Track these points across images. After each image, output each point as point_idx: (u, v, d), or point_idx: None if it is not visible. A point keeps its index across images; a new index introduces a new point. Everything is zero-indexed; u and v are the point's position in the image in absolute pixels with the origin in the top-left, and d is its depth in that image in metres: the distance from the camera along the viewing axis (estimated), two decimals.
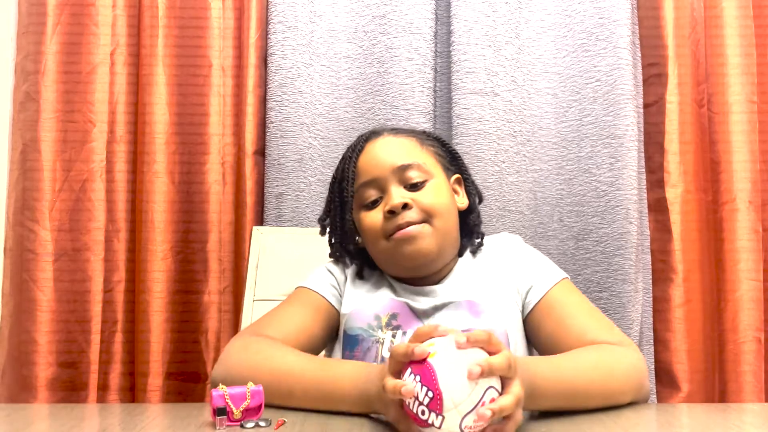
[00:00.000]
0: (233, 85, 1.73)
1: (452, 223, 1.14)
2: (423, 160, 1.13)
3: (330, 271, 1.19)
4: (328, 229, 1.20)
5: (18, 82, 1.70)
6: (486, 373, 0.75)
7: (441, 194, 1.12)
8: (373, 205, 1.12)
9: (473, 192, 1.22)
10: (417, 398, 0.75)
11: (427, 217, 1.09)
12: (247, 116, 1.69)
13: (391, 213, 1.09)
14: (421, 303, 1.10)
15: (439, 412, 0.74)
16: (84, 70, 1.70)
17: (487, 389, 0.75)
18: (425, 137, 1.20)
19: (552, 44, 1.71)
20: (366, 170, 1.13)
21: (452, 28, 1.68)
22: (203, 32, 1.72)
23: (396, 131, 1.19)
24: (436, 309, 1.09)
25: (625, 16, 1.65)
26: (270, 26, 1.69)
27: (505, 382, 0.79)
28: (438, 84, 1.72)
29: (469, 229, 1.19)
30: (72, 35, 1.70)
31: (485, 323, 1.06)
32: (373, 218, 1.11)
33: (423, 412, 0.75)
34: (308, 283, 1.18)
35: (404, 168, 1.11)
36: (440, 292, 1.11)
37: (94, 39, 1.71)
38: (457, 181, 1.20)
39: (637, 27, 1.70)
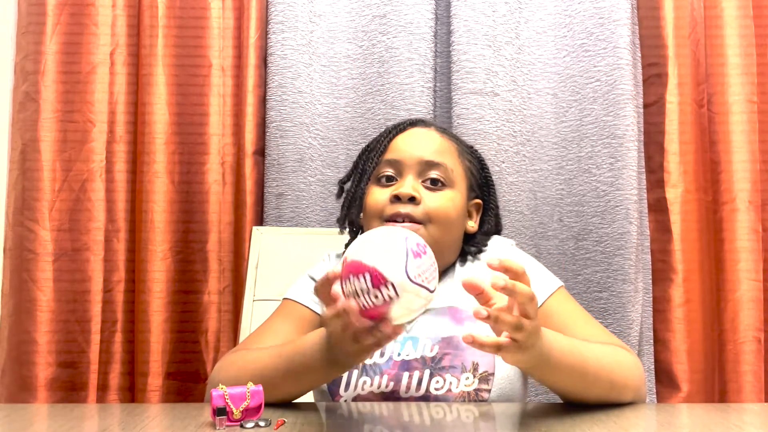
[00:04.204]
0: (233, 85, 1.73)
1: (449, 238, 1.12)
2: (453, 166, 1.13)
3: (312, 278, 1.19)
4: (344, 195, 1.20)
5: (18, 82, 1.70)
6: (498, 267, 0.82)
7: (452, 206, 1.11)
8: (387, 183, 1.12)
9: (490, 222, 1.19)
10: (362, 291, 0.77)
11: (427, 221, 1.09)
12: (247, 116, 1.68)
13: (397, 199, 1.09)
14: None
15: (384, 281, 0.76)
16: (84, 70, 1.70)
17: (405, 239, 0.79)
18: (468, 152, 1.20)
19: (552, 44, 1.71)
20: (396, 149, 1.14)
21: (452, 28, 1.68)
22: (203, 32, 1.72)
23: (444, 131, 1.19)
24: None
25: (625, 16, 1.65)
26: (270, 26, 1.69)
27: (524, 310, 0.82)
28: (438, 84, 1.72)
29: (470, 246, 1.17)
30: (72, 35, 1.70)
31: (468, 330, 1.06)
32: (379, 196, 1.11)
33: (376, 296, 0.77)
34: (291, 293, 1.18)
35: (430, 164, 1.11)
36: None
37: (93, 39, 1.71)
38: (476, 206, 1.19)
39: (637, 27, 1.70)
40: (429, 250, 0.80)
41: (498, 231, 1.22)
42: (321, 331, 0.95)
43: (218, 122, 1.72)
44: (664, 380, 1.65)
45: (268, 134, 1.68)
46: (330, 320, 0.83)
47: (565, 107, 1.69)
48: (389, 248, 0.78)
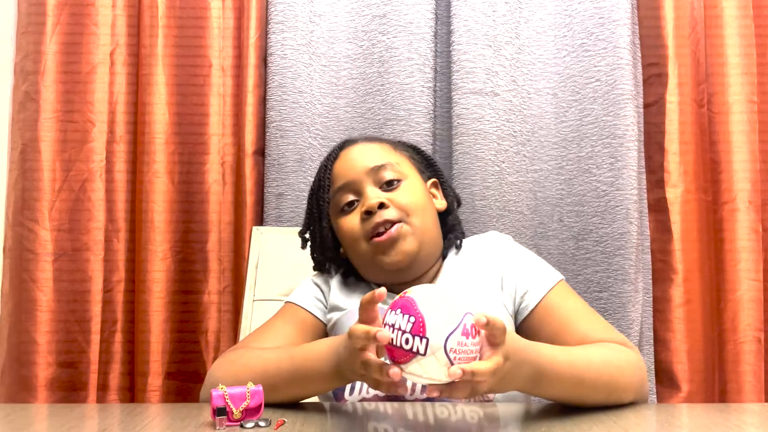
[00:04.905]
0: (233, 85, 1.73)
1: (430, 222, 1.14)
2: (396, 160, 1.15)
3: (315, 284, 1.20)
4: (309, 243, 1.22)
5: (17, 82, 1.70)
6: (483, 325, 0.78)
7: (416, 193, 1.14)
8: (350, 208, 1.13)
9: (450, 194, 1.23)
10: (399, 328, 0.77)
11: (404, 216, 1.10)
12: (247, 116, 1.68)
13: (368, 213, 1.09)
14: None
15: (423, 334, 0.76)
16: (84, 70, 1.70)
17: (465, 315, 0.78)
18: (398, 143, 1.24)
19: (552, 44, 1.71)
20: (341, 175, 1.15)
21: (452, 28, 1.68)
22: (203, 32, 1.72)
23: (369, 138, 1.22)
24: None
25: (625, 16, 1.65)
26: (270, 26, 1.69)
27: (492, 348, 0.80)
28: (438, 84, 1.72)
29: (450, 229, 1.20)
30: (72, 35, 1.70)
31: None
32: (351, 221, 1.12)
33: (407, 341, 0.76)
34: (293, 298, 1.19)
35: (378, 168, 1.13)
36: None
37: (93, 39, 1.71)
38: (434, 184, 1.22)
39: (637, 27, 1.70)
40: (480, 339, 0.79)
41: (457, 200, 1.25)
42: (330, 341, 0.95)
43: (218, 122, 1.72)
44: (664, 380, 1.65)
45: (268, 134, 1.68)
46: (356, 335, 0.82)
47: (565, 107, 1.69)
48: (447, 311, 0.77)
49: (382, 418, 0.95)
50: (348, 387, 1.04)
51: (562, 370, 0.90)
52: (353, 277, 1.18)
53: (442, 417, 0.93)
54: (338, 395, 1.05)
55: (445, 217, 1.21)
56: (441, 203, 1.20)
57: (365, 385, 1.04)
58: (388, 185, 1.13)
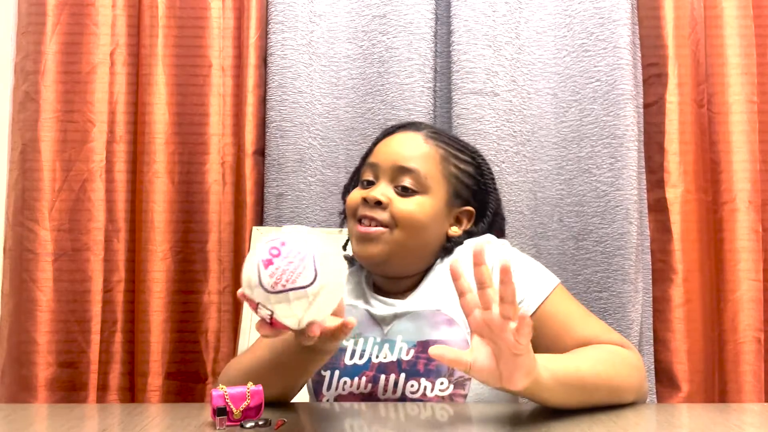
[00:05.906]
0: (233, 85, 1.73)
1: (419, 242, 1.11)
2: (429, 173, 1.12)
3: None
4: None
5: (18, 82, 1.70)
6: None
7: (420, 210, 1.10)
8: (367, 185, 1.14)
9: (483, 229, 1.16)
10: (256, 311, 0.80)
11: (392, 224, 1.09)
12: (247, 116, 1.68)
13: (366, 201, 1.10)
14: (380, 310, 1.10)
15: (255, 305, 0.79)
16: (84, 70, 1.70)
17: (260, 249, 0.78)
18: (459, 158, 1.16)
19: (552, 44, 1.71)
20: (378, 153, 1.16)
21: (452, 28, 1.68)
22: (203, 32, 1.72)
23: (434, 136, 1.16)
24: (396, 317, 1.09)
25: (625, 16, 1.65)
26: (270, 26, 1.69)
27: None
28: (438, 84, 1.72)
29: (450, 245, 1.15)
30: (72, 35, 1.70)
31: (445, 334, 1.05)
32: (355, 196, 1.14)
33: (262, 314, 0.80)
34: None
35: (403, 170, 1.11)
36: (406, 301, 1.11)
37: (93, 39, 1.71)
38: (467, 213, 1.16)
39: (637, 27, 1.70)
40: (285, 248, 0.78)
41: (499, 235, 1.18)
42: None
43: (218, 122, 1.72)
44: (664, 380, 1.65)
45: (268, 134, 1.68)
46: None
47: (565, 107, 1.69)
48: (247, 269, 0.79)
49: (382, 419, 0.95)
50: (326, 383, 1.06)
51: (566, 378, 0.91)
52: (350, 271, 1.18)
53: (428, 416, 0.93)
54: (317, 390, 1.07)
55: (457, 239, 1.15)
56: (456, 231, 1.15)
57: (341, 381, 1.06)
58: (403, 190, 1.11)
